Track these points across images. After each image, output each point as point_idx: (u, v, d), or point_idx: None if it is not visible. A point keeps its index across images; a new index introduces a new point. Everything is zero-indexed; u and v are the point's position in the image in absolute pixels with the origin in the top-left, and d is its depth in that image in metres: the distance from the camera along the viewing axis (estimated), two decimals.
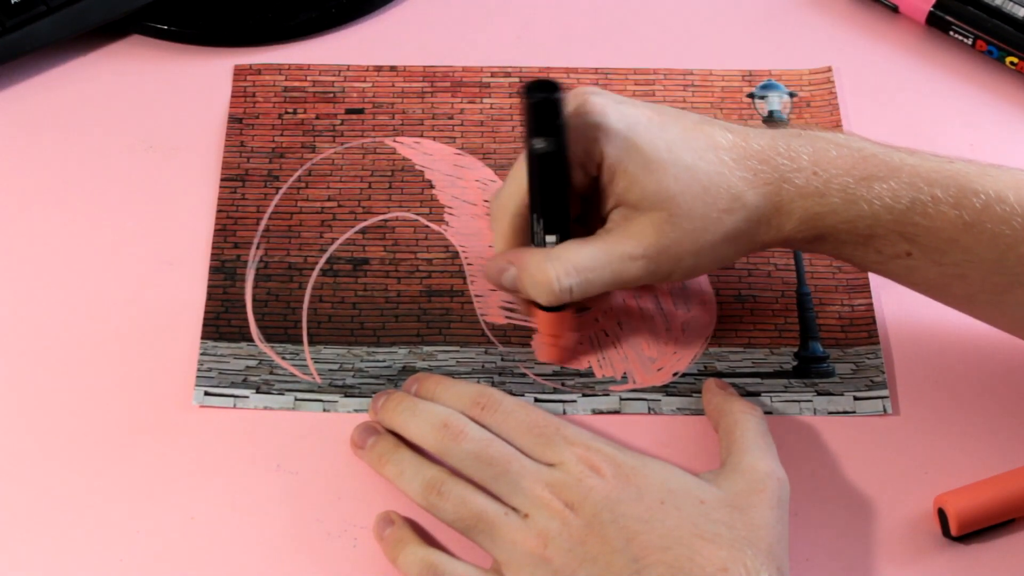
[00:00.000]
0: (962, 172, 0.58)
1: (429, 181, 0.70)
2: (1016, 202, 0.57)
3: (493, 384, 0.64)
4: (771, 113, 0.74)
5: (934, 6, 0.77)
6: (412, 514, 0.59)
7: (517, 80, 0.75)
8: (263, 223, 0.68)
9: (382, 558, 0.59)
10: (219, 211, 0.69)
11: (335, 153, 0.71)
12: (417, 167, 0.71)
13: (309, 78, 0.74)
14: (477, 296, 0.67)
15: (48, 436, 0.62)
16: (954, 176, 0.58)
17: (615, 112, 0.59)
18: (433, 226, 0.69)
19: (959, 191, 0.58)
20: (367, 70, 0.75)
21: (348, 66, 0.75)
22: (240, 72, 0.74)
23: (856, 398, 0.63)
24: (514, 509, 0.56)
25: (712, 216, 0.59)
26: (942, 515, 0.59)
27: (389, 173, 0.71)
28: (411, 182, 0.70)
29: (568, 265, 0.59)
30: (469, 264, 0.68)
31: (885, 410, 0.63)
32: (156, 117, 0.73)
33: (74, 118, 0.73)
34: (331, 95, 0.74)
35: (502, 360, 0.65)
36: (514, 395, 0.63)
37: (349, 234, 0.68)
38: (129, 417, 0.62)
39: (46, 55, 0.75)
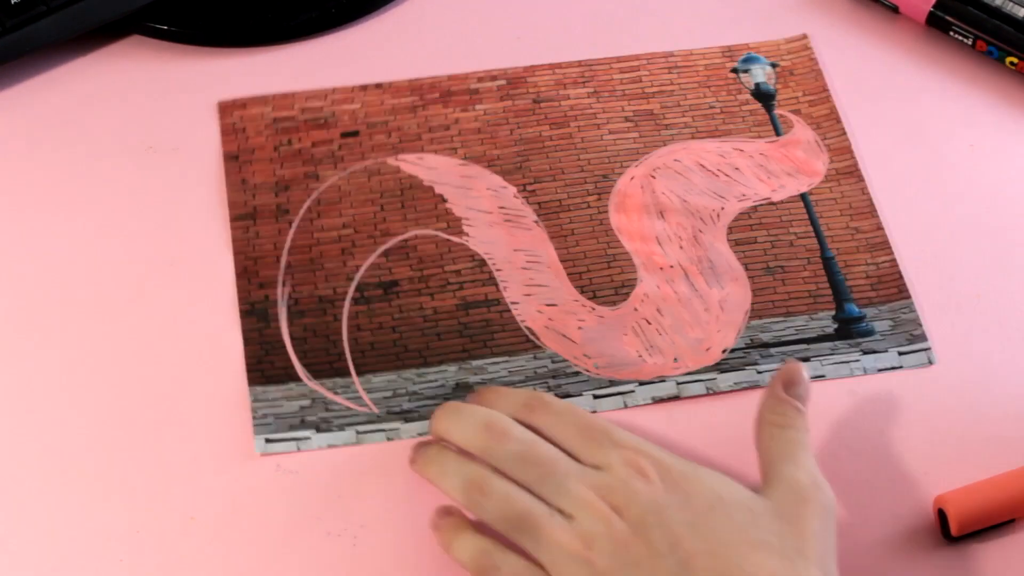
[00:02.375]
0: None
1: (440, 195, 0.70)
2: None
3: (548, 388, 0.64)
4: (758, 86, 0.75)
5: (934, 6, 0.77)
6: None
7: (505, 83, 0.74)
8: (283, 259, 0.67)
9: (382, 557, 0.59)
10: (236, 253, 0.67)
11: (340, 179, 0.70)
12: (425, 183, 0.70)
13: (296, 106, 0.73)
14: (513, 303, 0.67)
15: (48, 436, 0.62)
16: None
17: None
18: (454, 239, 0.68)
19: None
20: (353, 91, 0.74)
21: (333, 89, 0.74)
22: (225, 108, 0.73)
23: (900, 353, 0.65)
24: (559, 511, 0.55)
25: None
26: (942, 516, 0.59)
27: (399, 193, 0.70)
28: (423, 199, 0.70)
29: None
30: (499, 270, 0.68)
31: (930, 361, 0.65)
32: (156, 117, 0.73)
33: (74, 118, 0.73)
34: (322, 120, 0.72)
35: (552, 363, 0.65)
36: (570, 396, 0.63)
37: (372, 258, 0.68)
38: (129, 420, 0.62)
39: (46, 55, 0.75)
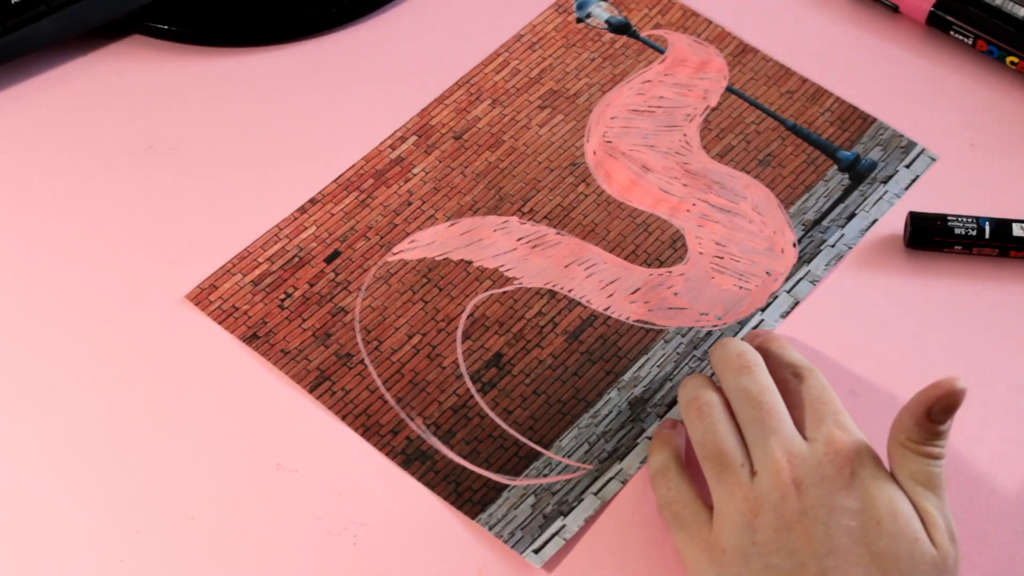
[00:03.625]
0: None
1: (461, 260, 0.68)
2: None
3: (698, 360, 0.66)
4: (608, 22, 0.77)
5: (934, 6, 0.77)
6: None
7: (417, 137, 0.72)
8: (388, 398, 0.64)
9: (383, 555, 0.59)
10: (346, 416, 0.63)
11: (364, 300, 0.67)
12: (438, 258, 0.68)
13: (261, 258, 0.68)
14: (606, 309, 0.67)
15: (47, 435, 0.62)
16: None
17: None
18: (507, 290, 0.67)
19: None
20: (295, 217, 0.69)
21: (277, 227, 0.69)
22: (198, 299, 0.66)
23: (907, 167, 0.72)
24: (752, 462, 0.56)
25: None
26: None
27: (425, 281, 0.68)
28: (449, 273, 0.68)
29: None
30: (570, 291, 0.67)
31: (932, 159, 0.72)
32: (156, 117, 0.73)
33: (74, 118, 0.73)
34: (297, 259, 0.68)
35: (682, 337, 0.66)
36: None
37: (460, 348, 0.65)
38: (129, 420, 0.62)
39: (46, 55, 0.75)
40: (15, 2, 0.73)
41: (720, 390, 0.59)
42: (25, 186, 0.71)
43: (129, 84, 0.75)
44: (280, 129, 0.73)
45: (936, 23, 0.78)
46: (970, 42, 0.77)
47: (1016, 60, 0.76)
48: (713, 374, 0.62)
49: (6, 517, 0.59)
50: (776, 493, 0.55)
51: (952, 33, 0.77)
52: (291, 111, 0.74)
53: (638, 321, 0.67)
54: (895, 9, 0.79)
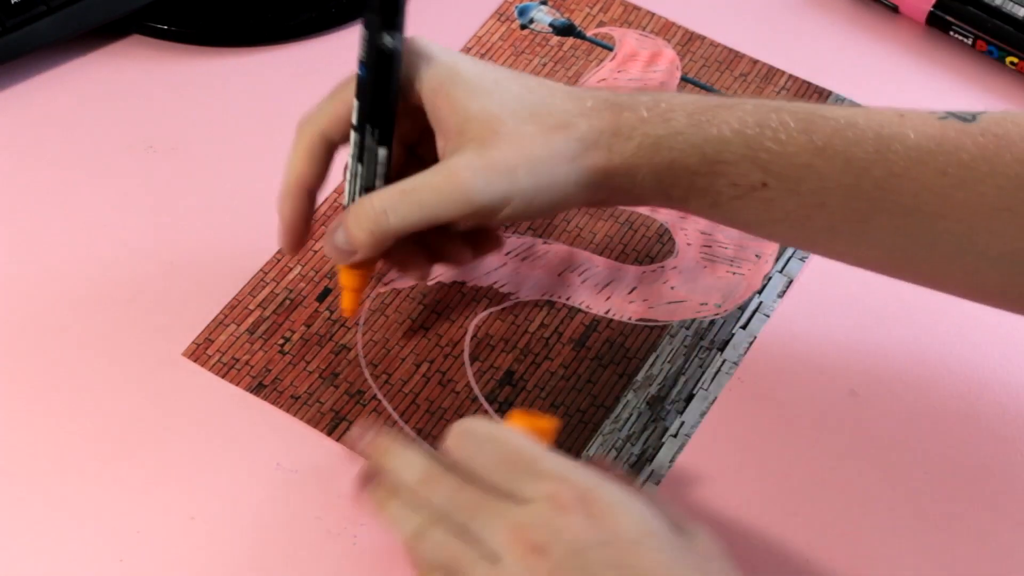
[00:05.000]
0: (809, 104, 0.58)
1: (455, 281, 0.67)
2: (866, 126, 0.56)
3: (707, 350, 0.65)
4: (552, 25, 0.78)
5: (934, 6, 0.78)
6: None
7: None
8: (407, 431, 0.63)
9: (382, 557, 0.59)
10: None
11: (364, 335, 0.65)
12: (431, 283, 0.67)
13: (253, 305, 0.66)
14: (606, 312, 0.67)
15: (48, 435, 0.62)
16: (801, 105, 0.57)
17: (440, 48, 0.58)
18: (506, 306, 0.67)
19: (808, 116, 0.57)
20: (276, 262, 0.68)
21: (263, 271, 0.67)
22: (195, 354, 0.64)
23: None
24: (491, 553, 0.52)
25: (540, 135, 0.56)
26: None
27: (422, 308, 0.66)
28: (445, 298, 0.67)
29: (383, 192, 0.57)
30: (568, 299, 0.67)
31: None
32: (156, 117, 0.73)
33: (74, 118, 0.73)
34: (289, 301, 0.66)
35: (687, 329, 0.66)
36: (732, 339, 0.66)
37: (469, 373, 0.65)
38: (129, 420, 0.62)
39: (46, 55, 0.75)
40: (15, 2, 0.73)
41: (417, 502, 0.55)
42: (25, 186, 0.71)
43: (129, 84, 0.75)
44: (280, 129, 0.73)
45: (936, 23, 0.78)
46: (970, 42, 0.77)
47: (1016, 60, 0.76)
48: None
49: (6, 517, 0.59)
50: (520, 566, 0.51)
51: (952, 33, 0.77)
52: (291, 111, 0.74)
53: (640, 320, 0.67)
54: (895, 9, 0.79)
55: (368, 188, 0.58)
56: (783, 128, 0.56)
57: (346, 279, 0.61)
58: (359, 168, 0.58)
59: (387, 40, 0.56)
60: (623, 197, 0.60)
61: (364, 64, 0.57)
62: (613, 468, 0.60)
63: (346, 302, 0.62)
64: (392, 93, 0.57)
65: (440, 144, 0.58)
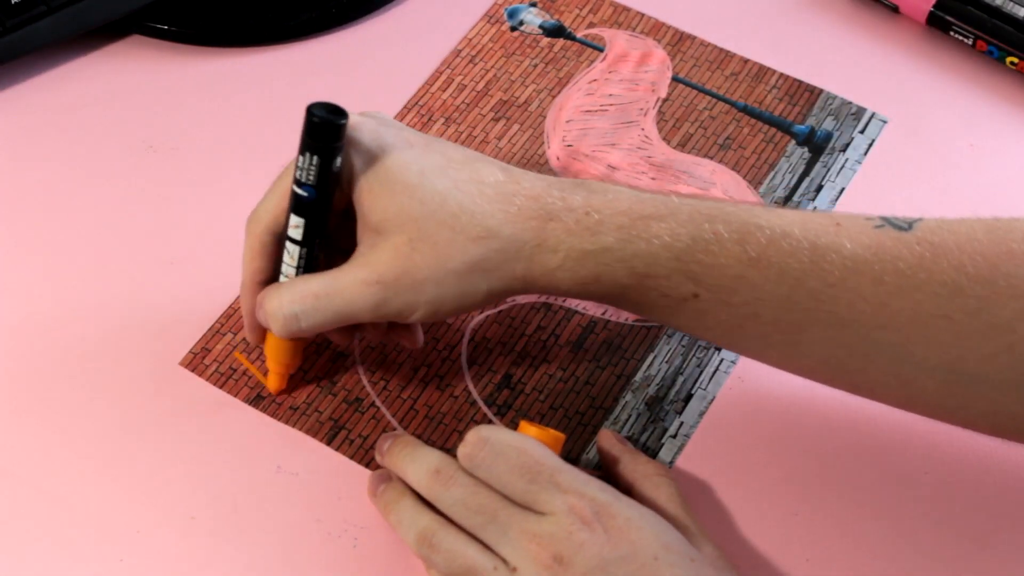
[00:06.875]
0: (744, 210, 0.57)
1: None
2: (802, 236, 0.55)
3: (700, 342, 0.66)
4: (542, 27, 0.78)
5: (934, 6, 0.77)
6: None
7: None
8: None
9: (383, 558, 0.59)
10: (369, 464, 0.62)
11: (360, 341, 0.65)
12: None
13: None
14: (603, 313, 0.67)
15: (48, 435, 0.62)
16: (736, 213, 0.56)
17: (370, 131, 0.57)
18: (502, 309, 0.67)
19: (742, 226, 0.56)
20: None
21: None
22: (192, 364, 0.64)
23: (861, 132, 0.74)
24: (505, 561, 0.54)
25: (458, 243, 0.56)
26: None
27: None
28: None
29: (296, 292, 0.57)
30: (563, 301, 0.67)
31: (884, 121, 0.74)
32: (156, 117, 0.73)
33: (74, 118, 0.73)
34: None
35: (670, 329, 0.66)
36: None
37: (467, 378, 0.65)
38: (129, 420, 0.62)
39: (46, 55, 0.75)
40: (15, 2, 0.72)
41: (429, 505, 0.56)
42: (25, 186, 0.70)
43: (129, 84, 0.75)
44: (280, 130, 0.73)
45: (936, 23, 0.78)
46: (970, 42, 0.77)
47: (1016, 60, 0.76)
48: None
49: (7, 517, 0.59)
50: None
51: (952, 33, 0.77)
52: (291, 111, 0.74)
53: (637, 321, 0.67)
54: (895, 9, 0.79)
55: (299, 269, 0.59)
56: (716, 240, 0.56)
57: (272, 354, 0.61)
58: (291, 250, 0.59)
59: (336, 163, 0.56)
60: (545, 294, 0.62)
61: (308, 186, 0.56)
62: (624, 443, 0.61)
63: (272, 382, 0.63)
64: (328, 211, 0.58)
65: (359, 230, 0.58)
